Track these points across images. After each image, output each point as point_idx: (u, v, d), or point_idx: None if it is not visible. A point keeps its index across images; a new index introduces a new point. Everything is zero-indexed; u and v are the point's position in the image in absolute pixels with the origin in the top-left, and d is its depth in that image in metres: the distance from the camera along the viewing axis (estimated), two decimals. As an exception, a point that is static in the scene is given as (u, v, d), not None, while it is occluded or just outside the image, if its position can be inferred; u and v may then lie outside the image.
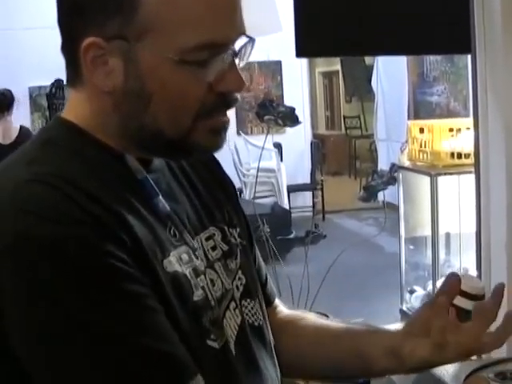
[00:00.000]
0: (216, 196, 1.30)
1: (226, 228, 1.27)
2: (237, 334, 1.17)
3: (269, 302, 1.39)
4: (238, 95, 1.13)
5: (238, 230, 1.30)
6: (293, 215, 9.35)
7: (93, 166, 1.09)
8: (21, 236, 0.96)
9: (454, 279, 1.22)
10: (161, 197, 1.13)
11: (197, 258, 1.14)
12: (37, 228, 0.96)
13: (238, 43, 1.11)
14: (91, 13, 1.06)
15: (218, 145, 1.14)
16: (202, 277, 1.13)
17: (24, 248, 0.96)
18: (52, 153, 1.09)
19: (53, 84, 8.64)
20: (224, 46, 1.08)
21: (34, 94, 10.06)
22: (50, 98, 8.77)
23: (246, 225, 1.37)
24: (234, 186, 1.40)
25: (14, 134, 7.13)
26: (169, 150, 1.13)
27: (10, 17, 9.49)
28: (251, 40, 1.13)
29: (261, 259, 1.41)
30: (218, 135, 1.13)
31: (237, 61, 1.10)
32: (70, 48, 1.10)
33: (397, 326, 1.27)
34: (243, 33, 1.11)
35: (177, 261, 1.09)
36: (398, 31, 3.35)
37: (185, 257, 1.12)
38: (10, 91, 7.27)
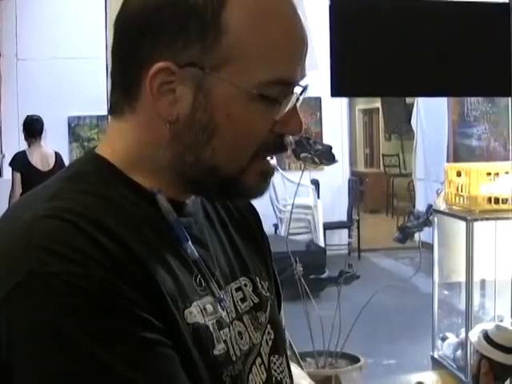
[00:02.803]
0: (249, 246, 1.26)
1: (257, 279, 1.23)
2: None
3: None
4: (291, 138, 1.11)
5: (266, 283, 1.25)
6: (329, 253, 9.27)
7: (117, 204, 1.03)
8: (33, 274, 0.92)
9: None
10: (190, 242, 1.08)
11: (223, 310, 1.09)
12: (50, 266, 0.92)
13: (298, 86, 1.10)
14: (168, 36, 1.01)
15: (264, 190, 1.12)
16: (226, 330, 1.08)
17: (35, 287, 0.92)
18: (75, 189, 1.03)
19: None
20: (292, 85, 1.06)
21: (72, 124, 10.12)
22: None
23: (275, 281, 1.32)
24: (267, 240, 1.35)
25: (51, 160, 7.22)
26: (218, 189, 1.09)
27: (51, 46, 9.62)
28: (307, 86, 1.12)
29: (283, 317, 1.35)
30: (265, 180, 1.11)
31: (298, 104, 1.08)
32: (128, 72, 1.06)
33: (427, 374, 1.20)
34: (305, 76, 1.09)
35: (199, 311, 1.04)
36: (437, 73, 3.34)
37: (209, 307, 1.06)
38: (40, 117, 7.38)
